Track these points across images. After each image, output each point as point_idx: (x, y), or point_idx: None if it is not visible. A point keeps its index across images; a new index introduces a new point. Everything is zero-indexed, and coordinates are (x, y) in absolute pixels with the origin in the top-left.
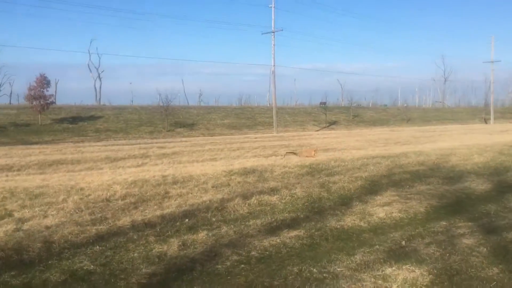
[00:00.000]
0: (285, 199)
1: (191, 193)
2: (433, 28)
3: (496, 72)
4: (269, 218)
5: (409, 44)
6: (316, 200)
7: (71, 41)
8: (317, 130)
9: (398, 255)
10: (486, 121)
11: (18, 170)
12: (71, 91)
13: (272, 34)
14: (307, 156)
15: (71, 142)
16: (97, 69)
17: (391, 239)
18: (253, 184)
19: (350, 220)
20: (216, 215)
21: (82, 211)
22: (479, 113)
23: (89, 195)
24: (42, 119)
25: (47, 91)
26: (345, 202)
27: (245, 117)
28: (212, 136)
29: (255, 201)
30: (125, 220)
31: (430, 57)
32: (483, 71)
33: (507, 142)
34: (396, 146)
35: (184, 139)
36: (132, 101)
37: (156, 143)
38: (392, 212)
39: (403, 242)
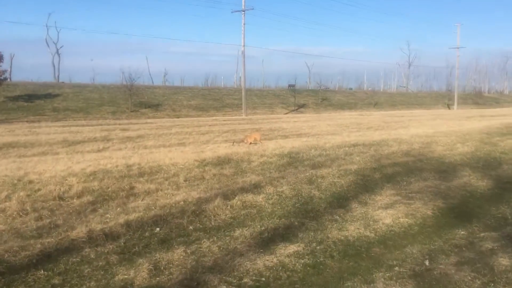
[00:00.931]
0: (272, 199)
1: (161, 190)
2: (399, 13)
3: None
4: (258, 226)
5: (375, 28)
6: (308, 201)
7: (28, 13)
8: (286, 113)
9: (430, 283)
10: (449, 106)
11: None
12: (28, 67)
13: (243, 12)
14: (251, 143)
15: (26, 121)
16: (56, 44)
17: (409, 256)
18: (231, 178)
19: (353, 229)
20: (194, 222)
21: (27, 214)
22: (442, 99)
23: (39, 190)
24: None
25: (0, 66)
26: (341, 203)
27: (212, 99)
28: (178, 118)
29: (238, 202)
30: (80, 230)
31: (396, 42)
32: (445, 57)
33: (481, 129)
34: (369, 131)
35: (149, 120)
36: (93, 79)
37: (120, 124)
38: (399, 217)
39: (427, 262)
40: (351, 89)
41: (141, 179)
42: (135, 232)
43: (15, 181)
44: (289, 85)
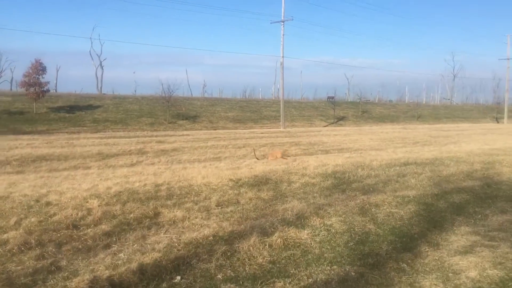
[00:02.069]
0: (319, 235)
1: (189, 218)
2: (442, 24)
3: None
4: (304, 276)
5: (417, 39)
6: (363, 239)
7: (73, 27)
8: (325, 126)
9: None
10: (498, 120)
11: None
12: (73, 79)
13: (282, 23)
14: (274, 159)
15: (67, 132)
16: (99, 57)
17: None
18: (270, 204)
19: (429, 285)
20: (224, 267)
21: (30, 249)
22: (489, 112)
23: (54, 215)
24: (38, 108)
25: (42, 78)
26: (405, 243)
27: (250, 110)
28: (215, 129)
29: (279, 239)
30: (82, 278)
31: (438, 53)
32: (492, 69)
33: None
34: (416, 147)
35: (186, 132)
36: (135, 91)
37: (156, 136)
38: (485, 268)
39: None
40: (391, 101)
41: (169, 202)
42: (150, 281)
43: (32, 203)
44: (328, 97)
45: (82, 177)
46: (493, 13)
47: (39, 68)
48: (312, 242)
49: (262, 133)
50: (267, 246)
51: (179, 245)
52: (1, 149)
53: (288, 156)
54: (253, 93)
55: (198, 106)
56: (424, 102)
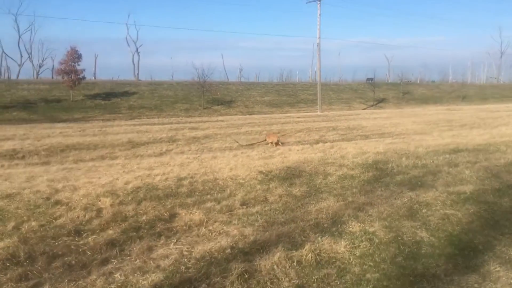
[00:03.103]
0: (359, 247)
1: (207, 222)
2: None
3: None
4: None
5: (460, 14)
6: (414, 252)
7: (110, 14)
8: (364, 109)
9: None
10: None
11: (22, 157)
12: (112, 66)
13: (318, 2)
14: (271, 144)
15: (102, 120)
16: (135, 43)
17: None
18: (302, 202)
19: None
20: None
21: (17, 263)
22: None
23: (60, 217)
24: (75, 95)
25: (78, 65)
26: (468, 258)
27: (286, 94)
28: (251, 114)
29: (309, 254)
30: None
31: (484, 29)
32: None
33: None
34: (464, 130)
35: (220, 118)
36: (172, 77)
37: (190, 122)
38: None
39: None
40: (433, 81)
41: (189, 200)
42: None
43: (40, 201)
44: (367, 79)
45: (105, 169)
46: None
47: (74, 55)
48: (351, 257)
49: (298, 117)
50: (295, 264)
51: (189, 261)
52: (33, 138)
53: (283, 143)
54: (290, 77)
55: (234, 91)
56: (469, 82)
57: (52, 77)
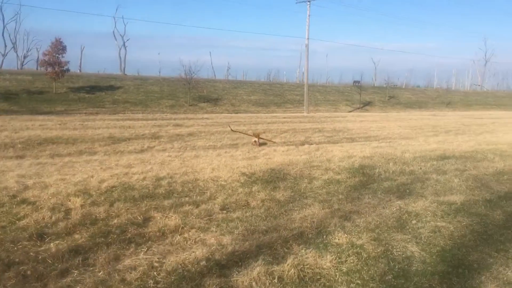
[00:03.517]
0: (346, 262)
1: (183, 229)
2: (474, 6)
3: None
4: None
5: (447, 21)
6: (405, 269)
7: (98, 7)
8: (350, 111)
9: None
10: None
11: None
12: (98, 59)
13: (308, 3)
14: (254, 142)
15: (85, 113)
16: (122, 37)
17: None
18: (285, 208)
19: None
20: None
21: None
22: None
23: (23, 218)
24: (58, 87)
25: (62, 57)
26: (463, 278)
27: (273, 94)
28: (237, 113)
29: (292, 269)
30: None
31: (470, 37)
32: None
33: None
34: (449, 136)
35: (206, 115)
36: (159, 72)
37: (175, 119)
38: None
39: None
40: (419, 86)
41: (166, 202)
42: None
43: (6, 199)
44: (354, 82)
45: (82, 165)
46: None
47: (59, 47)
48: (337, 273)
49: (284, 117)
50: (275, 280)
51: (158, 274)
52: (11, 130)
53: (263, 144)
54: (277, 77)
55: (220, 89)
56: (453, 88)
57: (37, 69)
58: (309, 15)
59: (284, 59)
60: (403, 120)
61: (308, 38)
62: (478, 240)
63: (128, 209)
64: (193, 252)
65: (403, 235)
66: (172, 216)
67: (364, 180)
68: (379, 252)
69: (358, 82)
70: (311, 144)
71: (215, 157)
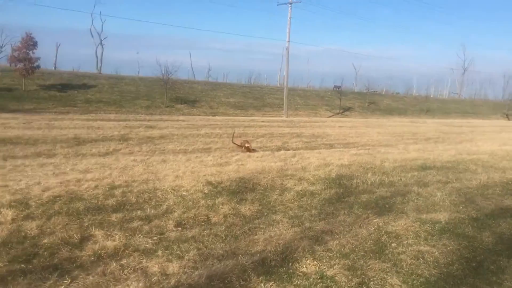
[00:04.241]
0: None
1: (124, 252)
2: (453, 15)
3: None
4: None
5: (427, 30)
6: None
7: (75, 3)
8: (330, 116)
9: None
10: (508, 117)
11: None
12: (75, 57)
13: (289, 5)
14: (241, 150)
15: (55, 112)
16: (100, 35)
17: None
18: (250, 226)
19: None
20: None
21: None
22: (499, 108)
23: None
24: (28, 84)
25: (33, 53)
26: None
27: (252, 97)
28: (214, 115)
29: None
30: None
31: (448, 46)
32: (503, 63)
33: None
34: (429, 144)
35: (182, 117)
36: (138, 72)
37: (148, 121)
38: None
39: None
40: (398, 93)
41: (114, 217)
42: None
43: None
44: (335, 86)
45: (33, 169)
46: (507, 7)
47: (29, 42)
48: None
49: (262, 121)
50: None
51: None
52: None
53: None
54: (258, 80)
55: (199, 90)
56: (432, 96)
57: (10, 65)
58: (290, 18)
59: (265, 62)
60: (383, 127)
61: (289, 41)
62: (467, 269)
63: (66, 224)
64: (127, 286)
65: (381, 263)
66: (116, 235)
67: (340, 192)
68: (353, 286)
69: (339, 87)
70: (288, 149)
71: (184, 162)
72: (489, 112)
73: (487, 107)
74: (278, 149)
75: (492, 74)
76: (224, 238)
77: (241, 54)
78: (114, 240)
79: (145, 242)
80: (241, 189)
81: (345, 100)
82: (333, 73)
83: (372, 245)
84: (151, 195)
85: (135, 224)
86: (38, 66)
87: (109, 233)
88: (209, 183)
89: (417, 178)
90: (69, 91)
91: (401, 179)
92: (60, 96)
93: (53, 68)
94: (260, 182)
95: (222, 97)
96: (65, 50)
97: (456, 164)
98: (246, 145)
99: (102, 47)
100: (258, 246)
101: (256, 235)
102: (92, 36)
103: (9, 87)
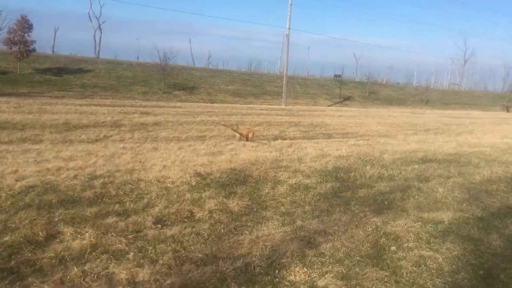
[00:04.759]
0: None
1: (91, 254)
2: (455, 5)
3: None
4: None
5: (428, 20)
6: None
7: None
8: (329, 105)
9: None
10: (508, 109)
11: None
12: (73, 41)
13: None
14: (244, 139)
15: (49, 97)
16: (98, 19)
17: None
18: (236, 223)
19: None
20: None
21: None
22: (499, 100)
23: None
24: (23, 68)
25: (28, 36)
26: None
27: (252, 85)
28: (212, 103)
29: None
30: None
31: (449, 37)
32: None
33: None
34: (429, 135)
35: (179, 104)
36: (138, 58)
37: (144, 107)
38: None
39: None
40: (398, 83)
41: (88, 211)
42: None
43: None
44: (335, 75)
45: (14, 156)
46: None
47: (24, 25)
48: None
49: (261, 109)
50: None
51: None
52: None
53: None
54: (259, 67)
55: (197, 77)
56: (432, 87)
57: (7, 48)
58: (291, 4)
59: (266, 50)
60: (382, 117)
61: (289, 28)
62: (475, 279)
63: (34, 219)
64: None
65: (379, 271)
66: (86, 233)
67: (337, 187)
68: None
69: (339, 76)
70: (285, 139)
71: (176, 150)
72: (488, 103)
73: (487, 98)
74: (275, 138)
75: (492, 65)
76: (206, 238)
77: (242, 41)
78: (83, 239)
79: (117, 242)
80: (231, 181)
81: (345, 89)
82: (333, 63)
83: (369, 249)
84: (133, 186)
85: (110, 220)
86: (34, 49)
87: (79, 231)
88: (198, 174)
89: (417, 171)
90: (65, 75)
91: (401, 173)
92: (55, 80)
93: (51, 52)
94: (252, 174)
95: (221, 84)
96: (64, 34)
97: (457, 157)
98: (250, 134)
99: (101, 32)
100: (242, 249)
101: (242, 235)
102: (91, 20)
103: (4, 70)
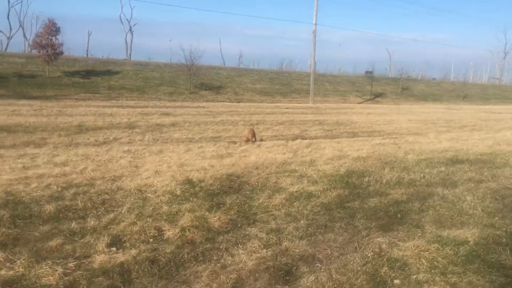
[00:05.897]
0: None
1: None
2: None
3: None
4: None
5: (465, 13)
6: None
7: None
8: (359, 103)
9: None
10: None
11: None
12: (106, 45)
13: None
14: (244, 140)
15: (75, 99)
16: (129, 22)
17: None
18: (211, 244)
19: None
20: None
21: None
22: None
23: None
24: (52, 71)
25: (56, 39)
26: None
27: (280, 83)
28: (239, 102)
29: None
30: None
31: (488, 29)
32: None
33: None
34: (464, 132)
35: (204, 104)
36: (170, 59)
37: (167, 107)
38: None
39: None
40: (435, 79)
41: (40, 230)
42: None
43: None
44: (366, 72)
45: (4, 162)
46: None
47: (52, 28)
48: None
49: (287, 108)
50: None
51: None
52: None
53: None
54: (290, 66)
55: (224, 76)
56: (470, 81)
57: (36, 51)
58: None
59: (298, 48)
60: (414, 114)
61: (316, 24)
62: None
63: None
64: None
65: None
66: (18, 260)
67: (344, 195)
68: None
69: (370, 72)
70: (305, 138)
71: (181, 153)
72: None
73: None
74: (295, 138)
75: None
76: (160, 268)
77: (274, 41)
78: (10, 269)
79: (50, 273)
80: (223, 189)
81: (377, 86)
82: (366, 59)
83: (364, 283)
84: (108, 197)
85: (55, 242)
86: (61, 52)
87: (11, 257)
88: (188, 181)
89: (444, 175)
90: (93, 77)
91: (424, 176)
92: (83, 83)
93: (86, 56)
94: (250, 181)
95: (248, 83)
96: (99, 38)
97: (493, 157)
98: (249, 135)
99: (132, 34)
100: (196, 285)
101: (205, 263)
102: (122, 23)
103: (33, 74)
